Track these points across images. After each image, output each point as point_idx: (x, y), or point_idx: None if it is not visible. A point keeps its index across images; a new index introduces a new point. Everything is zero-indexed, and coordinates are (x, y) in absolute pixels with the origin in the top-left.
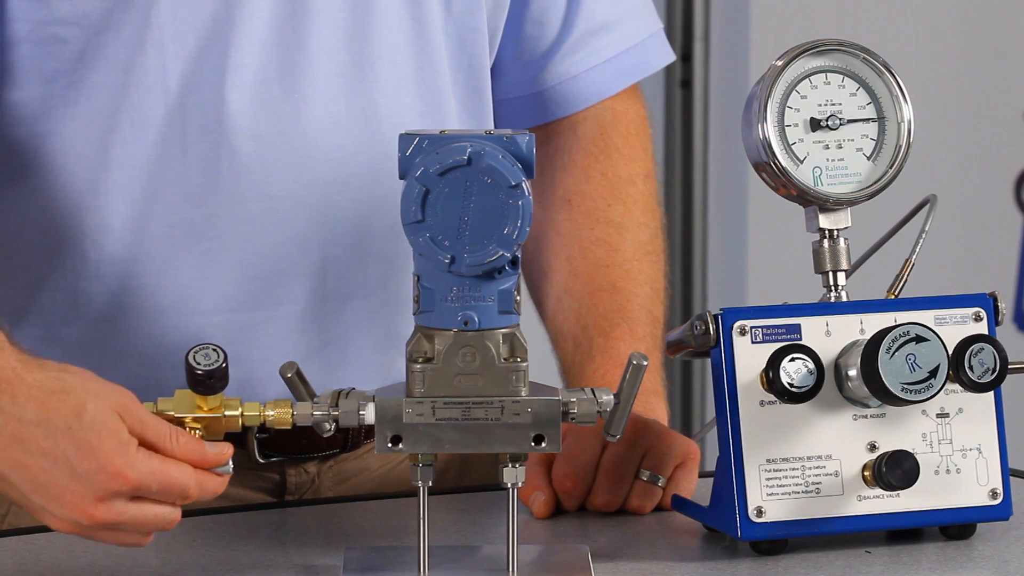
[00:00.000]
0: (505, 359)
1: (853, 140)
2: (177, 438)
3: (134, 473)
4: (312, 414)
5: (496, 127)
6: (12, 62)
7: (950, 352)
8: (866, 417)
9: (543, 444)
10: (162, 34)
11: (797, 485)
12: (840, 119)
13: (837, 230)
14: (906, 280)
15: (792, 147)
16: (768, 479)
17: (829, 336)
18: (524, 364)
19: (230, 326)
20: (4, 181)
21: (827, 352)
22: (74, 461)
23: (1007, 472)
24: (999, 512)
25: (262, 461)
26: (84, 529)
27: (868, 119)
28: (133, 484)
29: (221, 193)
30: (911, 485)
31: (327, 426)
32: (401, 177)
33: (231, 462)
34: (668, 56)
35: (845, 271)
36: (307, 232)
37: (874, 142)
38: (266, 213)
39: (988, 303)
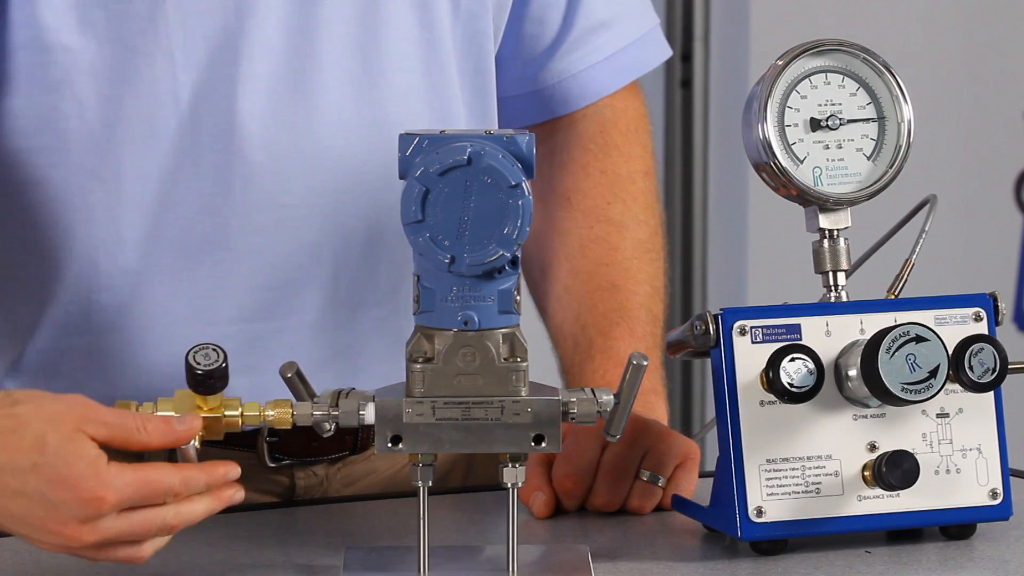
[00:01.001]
0: (505, 359)
1: (853, 140)
2: (144, 426)
3: (111, 492)
4: (312, 414)
5: (496, 126)
6: (14, 69)
7: (950, 352)
8: (866, 417)
9: (543, 444)
10: (171, 44)
11: (797, 485)
12: (840, 119)
13: (837, 230)
14: (906, 280)
15: (792, 147)
16: (768, 479)
17: (829, 336)
18: (524, 364)
19: (243, 336)
20: (11, 192)
21: (827, 352)
22: (49, 495)
23: (1007, 472)
24: (999, 512)
25: (272, 465)
26: (78, 551)
27: (868, 119)
28: (113, 503)
29: (233, 203)
30: (911, 485)
31: (327, 426)
32: (401, 177)
33: (197, 441)
34: (665, 52)
35: (845, 271)
36: (319, 240)
37: (874, 142)
38: (278, 222)
39: (988, 303)
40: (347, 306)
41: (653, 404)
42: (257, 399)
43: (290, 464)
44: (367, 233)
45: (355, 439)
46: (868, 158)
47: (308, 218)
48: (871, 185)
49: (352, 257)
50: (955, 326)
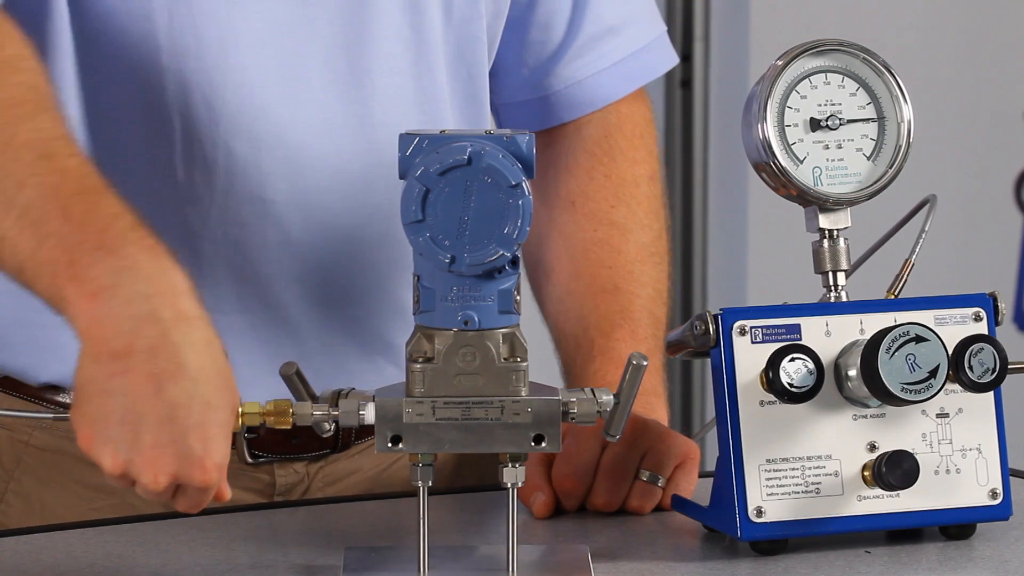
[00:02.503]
0: (505, 359)
1: (853, 140)
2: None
3: (212, 477)
4: (312, 414)
5: None
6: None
7: (950, 352)
8: (866, 417)
9: (543, 444)
10: (157, 30)
11: (797, 485)
12: (840, 119)
13: (837, 230)
14: (906, 280)
15: (792, 147)
16: (768, 479)
17: (829, 336)
18: (524, 364)
19: (219, 327)
20: None
21: (827, 352)
22: (189, 433)
23: (1007, 472)
24: (999, 512)
25: (251, 461)
26: (126, 479)
27: (868, 119)
28: (201, 485)
29: (215, 195)
30: (911, 485)
31: (327, 426)
32: (401, 177)
33: None
34: (672, 59)
35: (845, 271)
36: (300, 237)
37: (874, 142)
38: (259, 216)
39: (988, 303)
40: (324, 304)
41: (654, 405)
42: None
43: (269, 461)
44: (347, 232)
45: (336, 437)
46: (868, 158)
47: (288, 214)
48: (871, 185)
49: (332, 255)
50: (955, 326)
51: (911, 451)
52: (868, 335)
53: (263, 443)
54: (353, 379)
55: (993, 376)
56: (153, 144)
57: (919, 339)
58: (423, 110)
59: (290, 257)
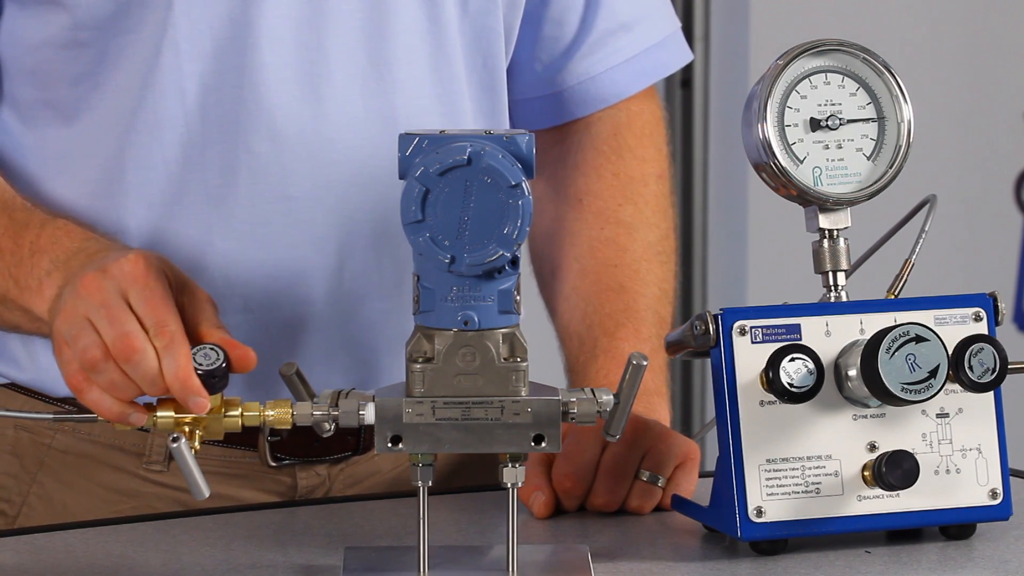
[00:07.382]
0: (505, 359)
1: (853, 140)
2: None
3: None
4: (312, 414)
5: (512, 127)
6: (37, 64)
7: (950, 352)
8: (866, 417)
9: (543, 444)
10: (177, 34)
11: (797, 485)
12: (840, 119)
13: (837, 230)
14: (906, 280)
15: (792, 147)
16: (768, 479)
17: (829, 336)
18: (524, 364)
19: (247, 326)
20: (34, 179)
21: (827, 352)
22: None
23: (1007, 472)
24: (999, 512)
25: (273, 464)
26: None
27: (868, 119)
28: (133, 277)
29: (239, 194)
30: (911, 485)
31: (327, 426)
32: (401, 177)
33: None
34: (686, 56)
35: (845, 271)
36: (325, 233)
37: (874, 142)
38: (284, 214)
39: (988, 303)
40: (352, 298)
41: (655, 405)
42: (261, 388)
43: (292, 464)
44: (372, 226)
45: (358, 439)
46: (868, 158)
47: (314, 210)
48: (871, 185)
49: (357, 250)
50: (955, 326)
51: (911, 451)
52: (868, 335)
53: (285, 446)
54: (381, 372)
55: (993, 376)
56: (175, 149)
57: (919, 339)
58: (442, 102)
59: (316, 254)
